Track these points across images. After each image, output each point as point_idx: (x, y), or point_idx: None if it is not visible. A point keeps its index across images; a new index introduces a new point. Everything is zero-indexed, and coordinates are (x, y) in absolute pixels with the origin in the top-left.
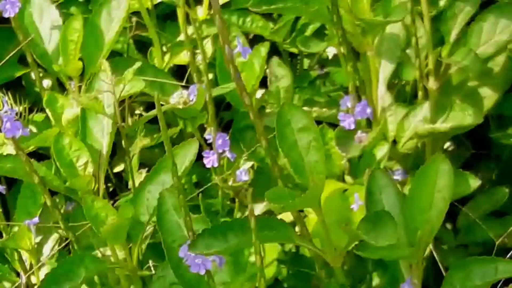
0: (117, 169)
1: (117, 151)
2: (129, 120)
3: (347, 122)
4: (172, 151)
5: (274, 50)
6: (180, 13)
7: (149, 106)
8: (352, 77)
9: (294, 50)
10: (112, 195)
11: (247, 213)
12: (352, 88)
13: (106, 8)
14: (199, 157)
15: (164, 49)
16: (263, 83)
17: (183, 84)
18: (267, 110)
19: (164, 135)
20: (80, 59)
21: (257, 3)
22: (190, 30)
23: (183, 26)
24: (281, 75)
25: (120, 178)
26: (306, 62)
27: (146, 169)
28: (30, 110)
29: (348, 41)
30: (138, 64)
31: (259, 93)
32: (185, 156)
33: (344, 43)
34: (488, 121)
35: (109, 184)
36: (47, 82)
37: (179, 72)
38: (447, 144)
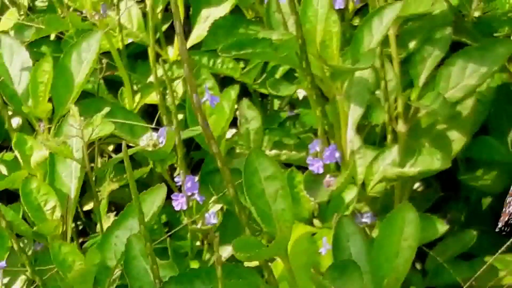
0: (87, 207)
1: (87, 189)
2: (99, 161)
3: (315, 166)
4: (139, 198)
5: (245, 90)
6: (150, 54)
7: (119, 146)
8: (321, 121)
9: (264, 90)
10: (81, 233)
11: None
12: (321, 132)
13: (76, 50)
14: (169, 195)
15: (136, 88)
16: (235, 121)
17: (153, 126)
18: (238, 151)
19: (131, 182)
20: (50, 100)
21: (227, 48)
22: (161, 70)
23: (153, 67)
24: (251, 117)
25: (90, 216)
26: (277, 103)
27: (115, 212)
28: (0, 149)
29: (317, 86)
30: (107, 109)
31: (230, 133)
32: (153, 201)
33: (313, 88)
34: (457, 162)
35: (78, 223)
36: (17, 121)
37: (151, 110)
38: (416, 185)
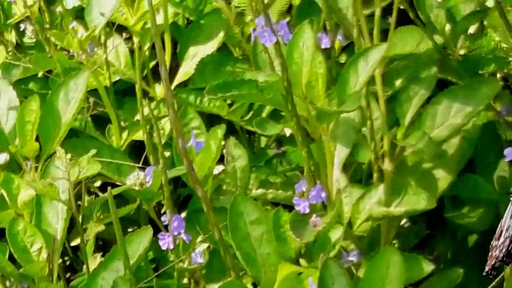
0: (74, 243)
1: (74, 225)
2: (86, 199)
3: (301, 206)
4: (124, 242)
5: (232, 126)
6: (137, 93)
7: (106, 183)
8: (307, 161)
9: (251, 128)
10: (69, 269)
11: None
12: (307, 172)
13: (64, 89)
14: (156, 232)
15: (123, 124)
16: (222, 157)
17: (140, 165)
18: (225, 188)
19: (116, 227)
20: (37, 139)
21: (213, 89)
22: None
23: (140, 106)
24: (237, 155)
25: (78, 251)
26: (264, 140)
27: (102, 252)
28: None
29: (303, 126)
30: (93, 151)
31: (217, 169)
32: (140, 243)
33: (299, 129)
34: (444, 199)
35: (65, 258)
36: (4, 157)
37: (138, 146)
38: (403, 221)
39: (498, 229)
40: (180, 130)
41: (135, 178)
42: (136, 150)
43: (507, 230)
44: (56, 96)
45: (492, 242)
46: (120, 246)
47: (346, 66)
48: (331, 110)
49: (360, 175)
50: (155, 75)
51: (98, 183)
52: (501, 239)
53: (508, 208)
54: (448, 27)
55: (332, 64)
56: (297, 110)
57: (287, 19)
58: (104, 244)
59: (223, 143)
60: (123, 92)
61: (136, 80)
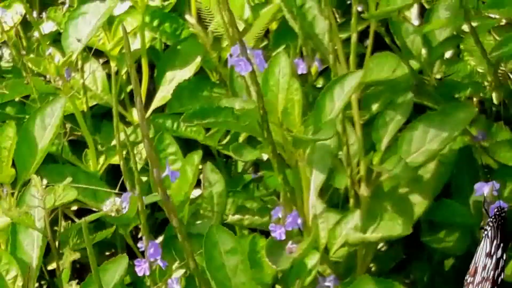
0: (51, 266)
1: (51, 249)
2: (62, 225)
3: (278, 233)
4: (99, 272)
5: (210, 151)
6: (114, 118)
7: (82, 209)
8: (283, 188)
9: (228, 152)
10: None
11: None
12: (283, 199)
13: (40, 115)
14: (133, 257)
15: (101, 148)
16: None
17: (116, 191)
18: (202, 212)
19: (91, 258)
20: (13, 164)
21: (189, 117)
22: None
23: (116, 133)
24: (214, 180)
25: (55, 275)
26: (241, 165)
27: (77, 280)
28: None
29: (279, 153)
30: (69, 179)
31: (195, 193)
32: (116, 271)
33: (275, 156)
34: (420, 223)
35: (42, 282)
36: None
37: (116, 170)
38: (380, 245)
39: (472, 265)
40: (155, 160)
41: (111, 204)
42: (114, 174)
43: (483, 269)
44: (33, 122)
45: (466, 277)
46: (95, 276)
47: (322, 93)
48: (306, 138)
49: (337, 199)
50: (133, 99)
51: (74, 207)
52: (477, 278)
53: (482, 244)
54: (424, 52)
55: (309, 89)
56: (273, 137)
57: (265, 42)
58: (81, 268)
59: (201, 166)
60: (101, 115)
61: (111, 105)
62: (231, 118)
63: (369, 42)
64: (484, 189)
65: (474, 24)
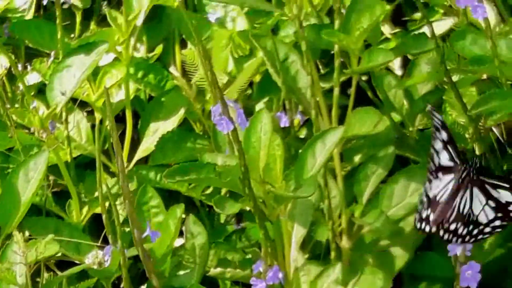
0: None
1: None
2: (44, 277)
3: (259, 287)
4: None
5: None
6: (97, 171)
7: (65, 262)
8: (264, 242)
9: (211, 203)
10: None
11: None
12: (264, 254)
13: (23, 168)
14: None
15: (85, 198)
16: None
17: (99, 244)
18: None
19: None
20: None
21: (172, 173)
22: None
23: (99, 187)
24: (196, 232)
25: None
26: (223, 215)
27: None
28: None
29: (260, 208)
30: (51, 236)
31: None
32: None
33: (256, 211)
34: (402, 276)
35: None
36: None
37: (100, 220)
38: None
39: None
40: (135, 221)
41: (93, 257)
42: (98, 223)
43: None
44: (16, 175)
45: None
46: None
47: (304, 148)
48: (287, 195)
49: (319, 251)
50: None
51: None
52: None
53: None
54: (406, 105)
55: (291, 141)
56: (255, 193)
57: (249, 92)
58: None
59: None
60: (85, 165)
61: (95, 155)
62: (213, 175)
63: (350, 97)
64: (456, 249)
65: (456, 78)
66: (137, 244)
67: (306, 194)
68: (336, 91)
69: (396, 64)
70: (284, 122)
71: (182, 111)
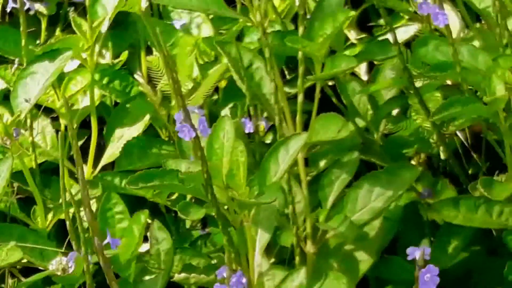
0: None
1: None
2: (9, 283)
3: None
4: None
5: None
6: (61, 178)
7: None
8: (228, 248)
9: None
10: None
11: None
12: (228, 259)
13: None
14: None
15: (50, 203)
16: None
17: (63, 250)
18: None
19: None
20: None
21: (135, 180)
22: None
23: (63, 194)
24: (161, 238)
25: None
26: (189, 221)
27: None
28: None
29: (223, 214)
30: (12, 243)
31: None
32: None
33: (220, 217)
34: (368, 279)
35: None
36: None
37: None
38: None
39: None
40: (96, 229)
41: (57, 263)
42: (64, 230)
43: None
44: None
45: None
46: None
47: (267, 155)
48: (249, 202)
49: (284, 256)
50: (83, 154)
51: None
52: None
53: None
54: (370, 110)
55: (256, 147)
56: (218, 199)
57: (215, 97)
58: None
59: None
60: (51, 171)
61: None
62: (176, 181)
63: (314, 104)
64: (415, 253)
65: (420, 83)
66: (98, 251)
67: (268, 200)
68: (300, 97)
69: (362, 70)
70: (249, 128)
71: (147, 117)
